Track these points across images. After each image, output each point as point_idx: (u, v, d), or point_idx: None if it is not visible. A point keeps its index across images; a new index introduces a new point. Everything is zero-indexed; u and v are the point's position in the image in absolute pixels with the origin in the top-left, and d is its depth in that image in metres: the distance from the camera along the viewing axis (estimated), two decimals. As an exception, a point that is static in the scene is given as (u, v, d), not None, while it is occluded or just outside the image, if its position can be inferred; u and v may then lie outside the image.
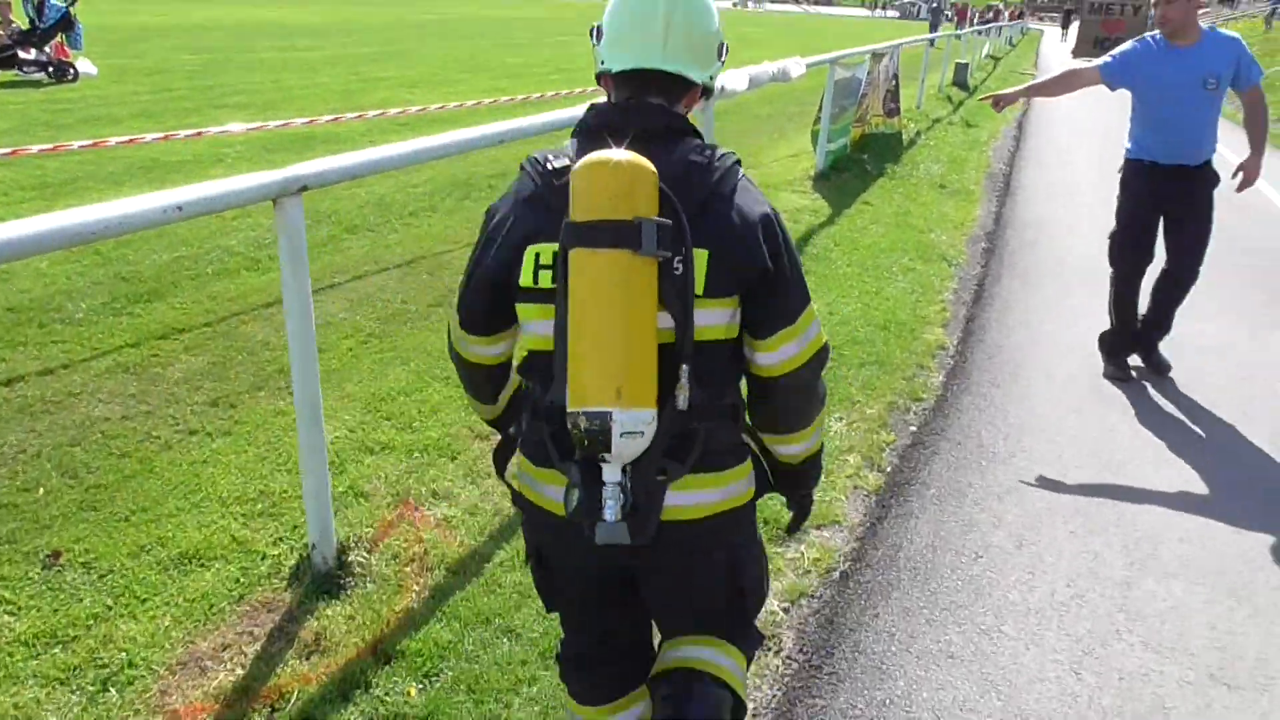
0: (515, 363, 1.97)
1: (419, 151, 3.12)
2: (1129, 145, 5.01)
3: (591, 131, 1.72)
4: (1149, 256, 5.12)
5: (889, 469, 4.19)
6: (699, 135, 1.77)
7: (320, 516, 3.13)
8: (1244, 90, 4.76)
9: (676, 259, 1.59)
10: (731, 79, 6.42)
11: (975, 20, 48.43)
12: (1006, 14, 57.76)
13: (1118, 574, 3.43)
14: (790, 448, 1.93)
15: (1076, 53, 39.83)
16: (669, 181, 1.61)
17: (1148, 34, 4.91)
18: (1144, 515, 3.85)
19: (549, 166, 1.70)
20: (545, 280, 1.67)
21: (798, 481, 2.02)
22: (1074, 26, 53.31)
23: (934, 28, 41.76)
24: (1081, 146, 13.93)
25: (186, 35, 22.50)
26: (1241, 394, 5.11)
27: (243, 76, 15.15)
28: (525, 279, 1.69)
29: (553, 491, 1.79)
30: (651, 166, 1.59)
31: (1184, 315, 5.28)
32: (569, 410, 1.59)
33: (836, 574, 3.41)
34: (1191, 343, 5.74)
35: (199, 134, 7.89)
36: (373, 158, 3.00)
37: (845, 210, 8.66)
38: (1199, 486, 4.12)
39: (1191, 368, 5.42)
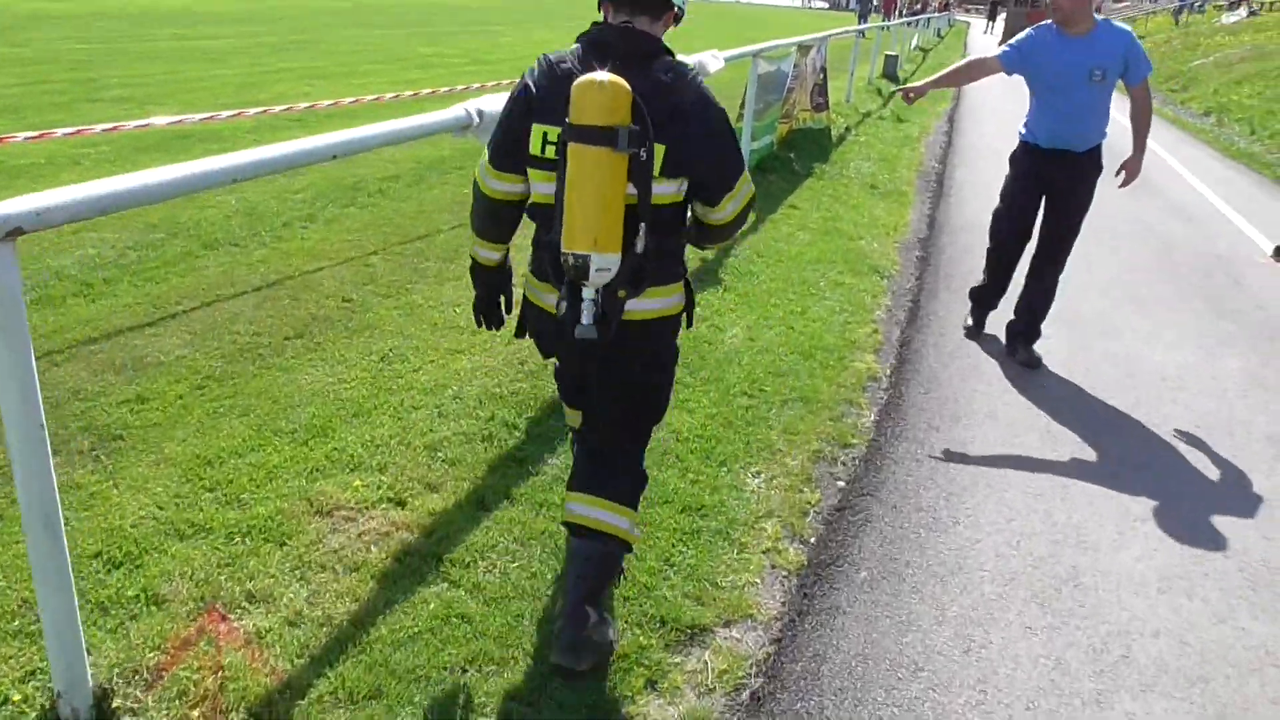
0: (527, 207, 2.65)
1: (191, 178, 2.36)
2: (1021, 128, 5.23)
3: (592, 45, 2.44)
4: (1027, 235, 5.36)
5: (812, 540, 3.54)
6: (670, 53, 2.48)
7: (66, 655, 2.38)
8: (1132, 85, 4.86)
9: (643, 150, 2.30)
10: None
11: (904, 12, 48.48)
12: (935, 5, 58.03)
13: (1086, 687, 2.81)
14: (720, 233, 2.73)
15: (1003, 44, 39.90)
16: (642, 95, 2.29)
17: (1045, 22, 4.96)
18: (1110, 600, 3.25)
19: (559, 69, 2.42)
20: (550, 154, 2.42)
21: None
22: (1000, 19, 53.75)
23: (862, 18, 41.53)
24: (1012, 141, 13.51)
25: (82, 22, 21.13)
26: (1211, 440, 4.57)
27: (133, 68, 14.06)
28: (535, 149, 2.46)
29: (549, 298, 2.59)
30: (628, 86, 2.25)
31: (1143, 340, 4.72)
32: (562, 251, 2.34)
33: (745, 694, 2.75)
34: (1150, 369, 5.20)
35: (78, 132, 6.95)
36: (120, 188, 2.23)
37: (770, 216, 8.03)
38: (1172, 559, 3.54)
39: (1151, 402, 4.88)
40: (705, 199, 2.56)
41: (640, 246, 2.40)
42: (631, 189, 2.35)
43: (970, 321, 5.80)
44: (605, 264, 2.33)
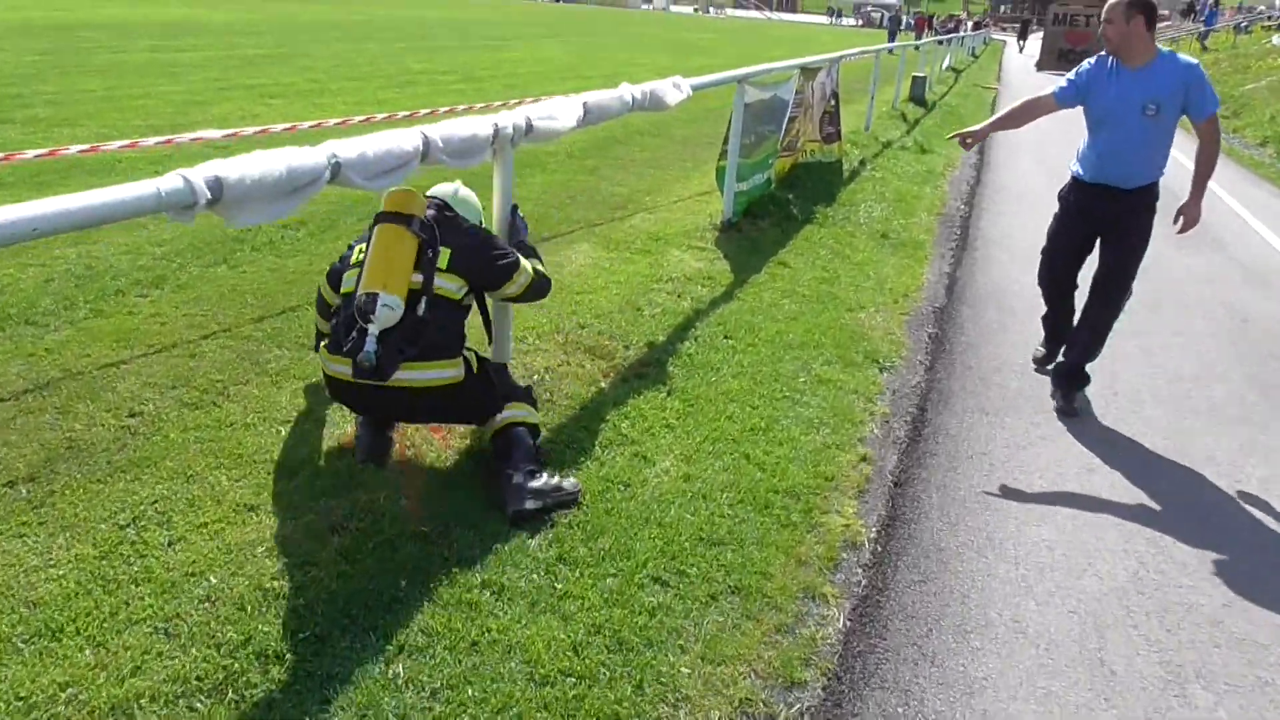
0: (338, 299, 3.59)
1: None
2: (1074, 164, 4.89)
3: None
4: (1070, 276, 5.08)
5: None
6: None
7: None
8: (1197, 122, 4.50)
9: (430, 250, 3.41)
10: (561, 111, 4.31)
11: (937, 30, 46.91)
12: (969, 23, 56.44)
13: None
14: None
15: (1041, 65, 38.31)
16: (436, 222, 3.51)
17: (1103, 52, 4.64)
18: None
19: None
20: (358, 257, 3.49)
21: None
22: (1034, 38, 52.04)
23: (892, 37, 40.08)
24: (1051, 183, 11.96)
25: (59, 34, 20.02)
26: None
27: (69, 82, 12.80)
28: (355, 259, 3.52)
29: (342, 367, 3.33)
30: (420, 195, 3.56)
31: (1225, 477, 3.22)
32: (359, 293, 3.29)
33: None
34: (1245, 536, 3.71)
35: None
36: None
37: (753, 277, 6.57)
38: None
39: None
40: (488, 288, 3.66)
41: (420, 312, 3.34)
42: (418, 276, 3.37)
43: (1042, 351, 5.50)
44: (390, 302, 3.25)
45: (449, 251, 3.43)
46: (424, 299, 3.33)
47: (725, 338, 5.40)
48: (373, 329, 3.25)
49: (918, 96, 19.91)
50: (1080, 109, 4.75)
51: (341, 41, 23.52)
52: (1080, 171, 4.80)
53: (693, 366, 4.91)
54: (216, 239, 6.20)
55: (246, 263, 5.82)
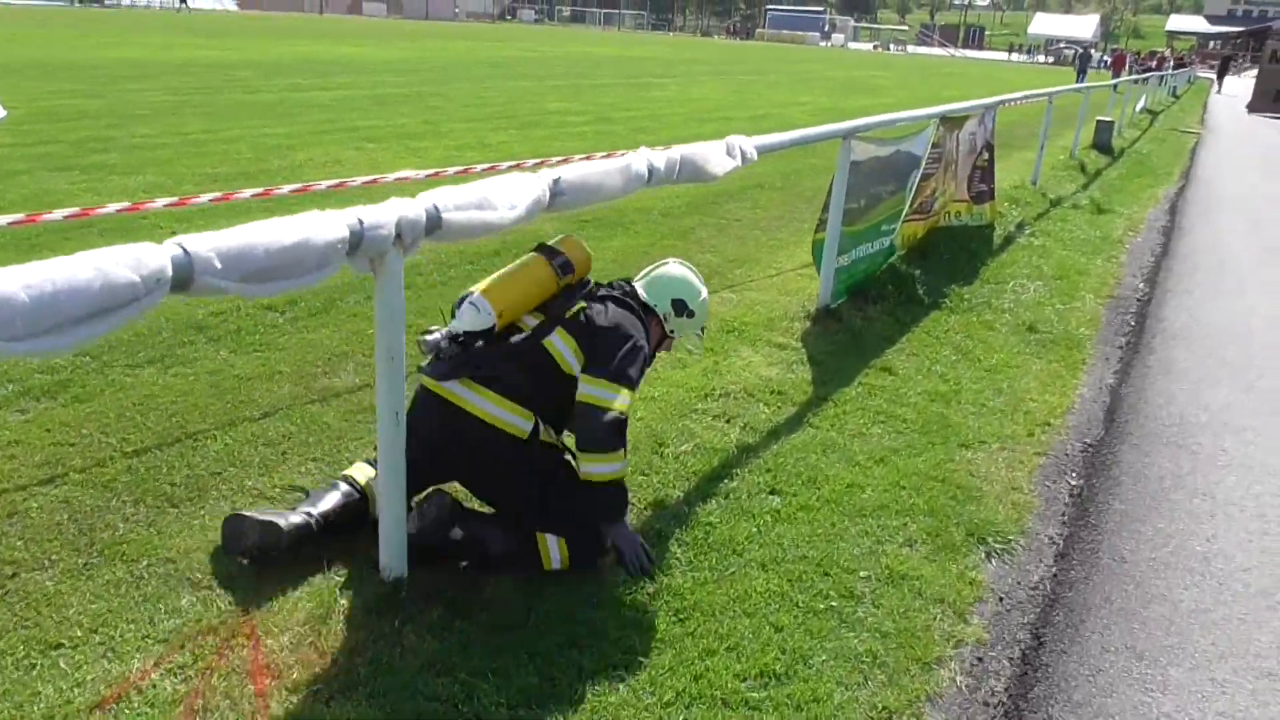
0: None
1: None
2: None
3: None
4: None
5: None
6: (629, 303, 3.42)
7: None
8: None
9: (567, 299, 3.29)
10: (504, 194, 3.00)
11: (1134, 69, 43.37)
12: (1172, 60, 52.20)
13: None
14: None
15: (1253, 107, 34.52)
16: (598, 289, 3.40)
17: None
18: None
19: None
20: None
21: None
22: (1236, 77, 47.57)
23: (1081, 75, 37.07)
24: (1258, 248, 9.81)
25: (201, 72, 20.31)
26: None
27: (172, 123, 12.44)
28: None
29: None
30: (587, 257, 3.43)
31: None
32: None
33: None
34: None
35: None
36: None
37: (840, 391, 5.07)
38: None
39: None
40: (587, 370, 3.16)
41: (515, 342, 3.14)
42: (533, 320, 3.24)
43: None
44: (479, 303, 3.05)
45: (583, 307, 3.24)
46: (528, 340, 3.15)
47: (771, 493, 3.94)
48: (454, 324, 3.09)
49: (1103, 144, 17.65)
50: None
51: (491, 79, 23.09)
52: None
53: (706, 546, 3.47)
54: (174, 325, 5.18)
55: (188, 360, 4.75)
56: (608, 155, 5.16)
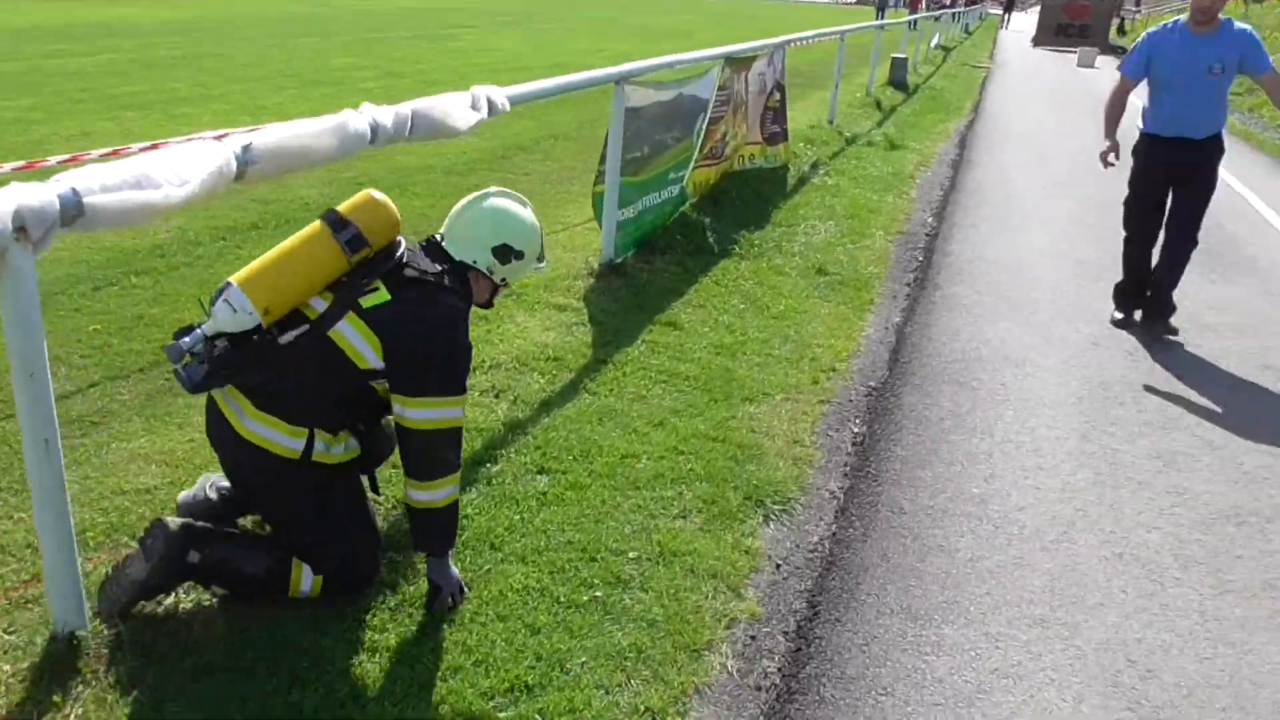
0: None
1: None
2: (1141, 122, 5.51)
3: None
4: (1157, 222, 5.56)
5: None
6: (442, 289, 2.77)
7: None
8: (1260, 75, 5.18)
9: (360, 278, 2.70)
10: (168, 167, 2.51)
11: (929, 6, 44.88)
12: (963, -1, 54.28)
13: None
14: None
15: (1037, 41, 36.28)
16: (405, 255, 2.78)
17: (1166, 22, 5.42)
18: None
19: None
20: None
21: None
22: (1024, 13, 49.97)
23: (880, 12, 38.08)
24: (1040, 180, 10.13)
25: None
26: None
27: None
28: None
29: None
30: (391, 217, 2.75)
31: None
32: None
33: None
34: None
35: None
36: None
37: (622, 351, 4.80)
38: None
39: None
40: (395, 389, 2.65)
41: (286, 340, 2.57)
42: (320, 303, 2.65)
43: (1119, 316, 5.82)
44: (236, 301, 2.48)
45: (384, 300, 2.64)
46: (310, 334, 2.60)
47: (539, 473, 3.63)
48: (209, 324, 2.54)
49: (898, 80, 18.05)
50: (1089, 100, 4.02)
51: (276, 37, 21.63)
52: (1155, 130, 5.40)
53: (460, 544, 3.13)
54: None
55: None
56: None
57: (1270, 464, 4.11)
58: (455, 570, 2.86)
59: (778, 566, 3.24)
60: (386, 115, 3.40)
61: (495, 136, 10.20)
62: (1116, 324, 5.72)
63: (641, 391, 4.40)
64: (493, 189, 2.92)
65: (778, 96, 9.29)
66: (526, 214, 2.93)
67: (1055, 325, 5.72)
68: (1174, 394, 4.80)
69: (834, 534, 3.47)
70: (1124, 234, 5.74)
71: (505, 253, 2.85)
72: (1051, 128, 14.57)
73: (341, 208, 2.69)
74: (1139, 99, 5.57)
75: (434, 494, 2.70)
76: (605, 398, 4.30)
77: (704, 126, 7.22)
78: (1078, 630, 2.95)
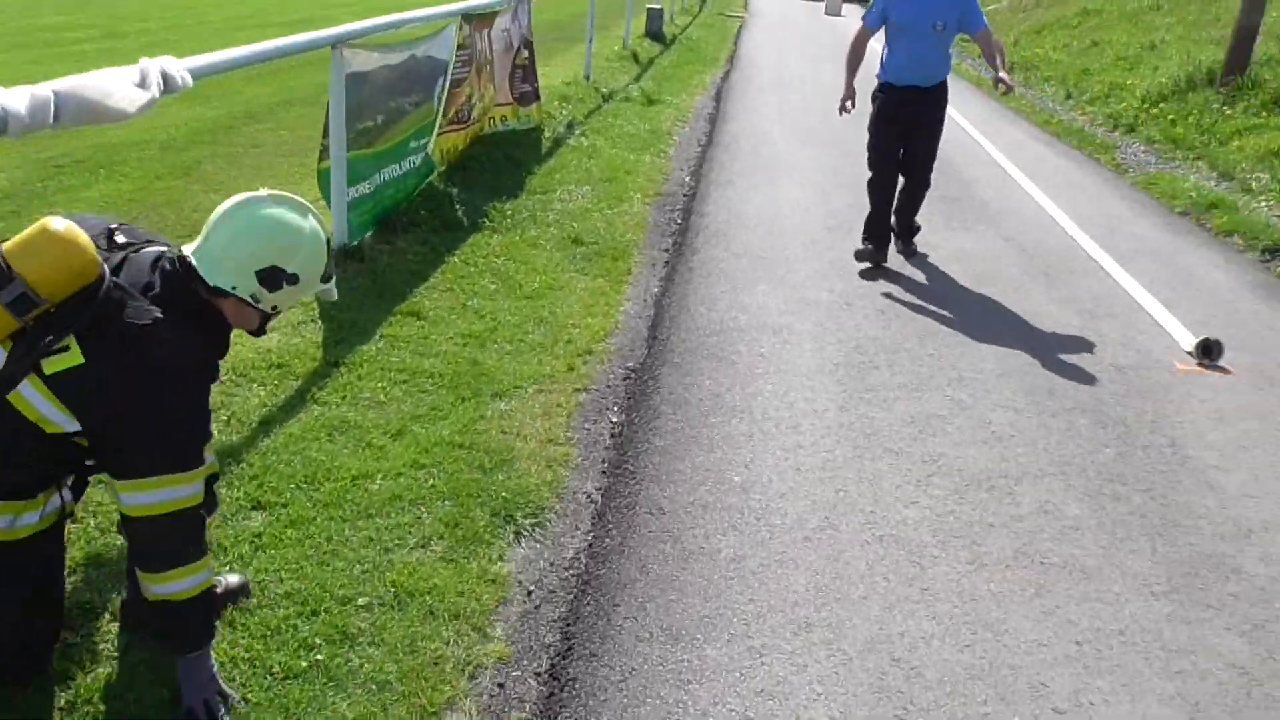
0: None
1: None
2: (879, 71, 6.00)
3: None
4: (897, 163, 6.09)
5: None
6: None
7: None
8: (974, 33, 5.80)
9: (41, 335, 2.02)
10: None
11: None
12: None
13: None
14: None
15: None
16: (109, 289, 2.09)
17: None
18: None
19: None
20: None
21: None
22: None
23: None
24: (793, 131, 10.23)
25: None
26: None
27: None
28: None
29: None
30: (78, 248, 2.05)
31: None
32: None
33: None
34: None
35: None
36: None
37: (355, 350, 4.33)
38: None
39: None
40: (109, 470, 2.16)
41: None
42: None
43: (867, 248, 6.11)
44: None
45: (75, 364, 2.02)
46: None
47: (255, 508, 3.16)
48: None
49: (655, 31, 17.95)
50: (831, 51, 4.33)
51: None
52: (890, 77, 5.90)
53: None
54: None
55: None
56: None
57: (1014, 419, 4.17)
58: (214, 672, 2.32)
59: (529, 593, 2.94)
60: (18, 99, 2.77)
61: (222, 104, 9.28)
62: (861, 255, 6.14)
63: (379, 396, 3.97)
64: (262, 193, 2.28)
65: (526, 54, 8.87)
66: (307, 226, 2.26)
67: (810, 286, 5.68)
68: (925, 353, 4.83)
69: (590, 546, 3.20)
70: (869, 176, 6.11)
71: (275, 277, 2.22)
72: (803, 76, 14.87)
73: (7, 248, 2.00)
74: (880, 44, 5.87)
75: (172, 585, 2.18)
76: (336, 408, 3.85)
77: (445, 89, 6.73)
78: (842, 631, 2.81)
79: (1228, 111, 9.80)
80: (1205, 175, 8.69)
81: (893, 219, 6.21)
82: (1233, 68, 10.39)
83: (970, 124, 11.10)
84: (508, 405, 4.02)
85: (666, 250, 6.25)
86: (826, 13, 28.96)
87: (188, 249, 2.22)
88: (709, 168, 8.51)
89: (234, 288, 2.19)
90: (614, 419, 4.05)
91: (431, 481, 3.39)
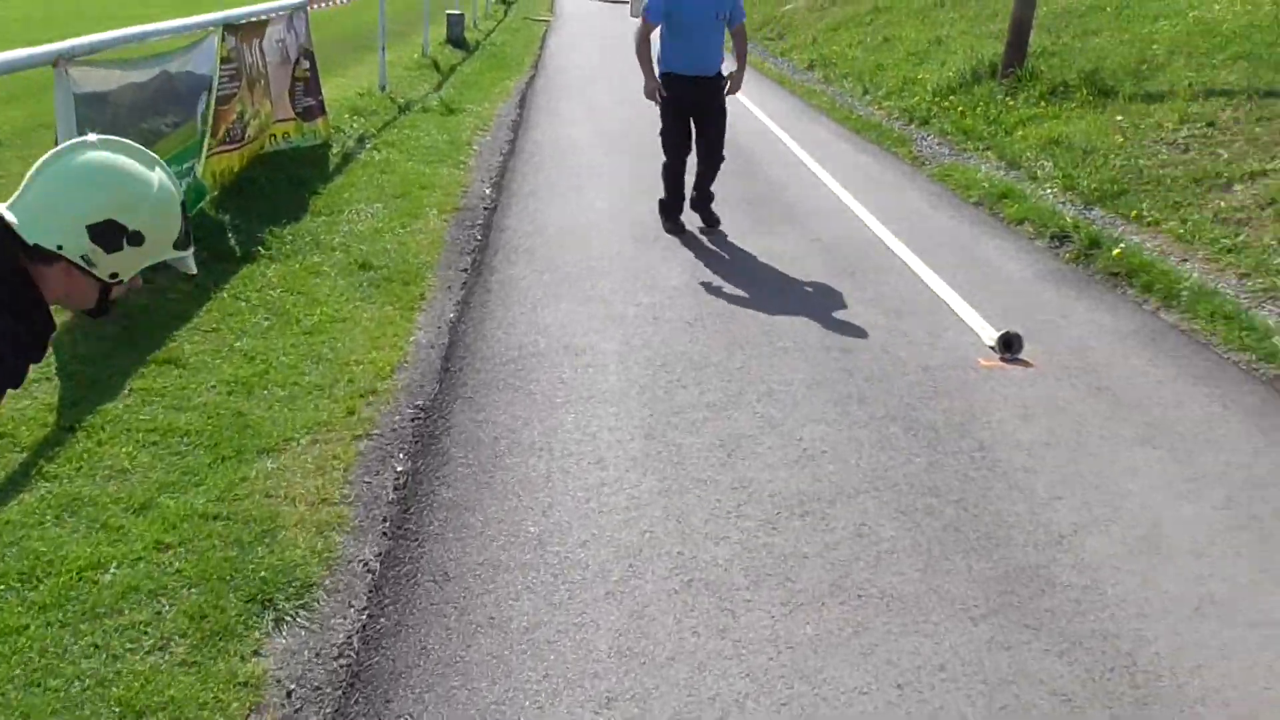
0: None
1: None
2: (660, 61, 6.45)
3: None
4: (688, 145, 6.68)
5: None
6: None
7: None
8: (733, 26, 6.50)
9: None
10: None
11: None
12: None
13: None
14: None
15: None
16: None
17: None
18: None
19: None
20: None
21: None
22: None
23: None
24: (598, 138, 9.99)
25: None
26: None
27: None
28: None
29: None
30: None
31: None
32: None
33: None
34: None
35: None
36: None
37: (99, 407, 3.78)
38: None
39: None
40: None
41: None
42: None
43: (669, 224, 6.76)
44: None
45: None
46: None
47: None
48: None
49: (456, 38, 17.43)
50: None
51: None
52: (676, 68, 6.33)
53: None
54: None
55: None
56: None
57: (825, 434, 4.01)
58: None
59: (289, 694, 2.53)
60: None
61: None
62: (669, 231, 6.67)
63: (122, 464, 3.45)
64: (91, 136, 1.75)
65: (307, 65, 8.29)
66: (154, 178, 1.76)
67: (616, 299, 5.42)
68: (734, 366, 4.63)
69: (364, 628, 2.80)
70: (664, 160, 6.67)
71: (112, 234, 1.72)
72: (607, 77, 14.69)
73: None
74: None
75: None
76: (69, 482, 3.30)
77: (211, 107, 6.13)
78: (648, 704, 2.53)
79: (1010, 102, 10.16)
80: (995, 165, 8.94)
81: (691, 193, 6.82)
82: (1012, 60, 10.80)
83: (775, 123, 11.15)
84: (275, 463, 3.57)
85: (464, 270, 5.87)
86: (632, 14, 29.04)
87: (1, 206, 1.70)
88: (511, 178, 8.16)
89: (59, 247, 1.69)
90: (399, 468, 3.66)
91: (177, 565, 2.92)
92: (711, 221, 6.85)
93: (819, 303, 5.51)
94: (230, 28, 6.47)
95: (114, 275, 1.76)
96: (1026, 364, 4.77)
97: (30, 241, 1.66)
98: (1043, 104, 9.74)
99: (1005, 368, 4.74)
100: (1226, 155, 7.38)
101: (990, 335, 5.02)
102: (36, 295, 1.75)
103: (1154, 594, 3.05)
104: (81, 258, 1.70)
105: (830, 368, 4.65)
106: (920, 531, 3.33)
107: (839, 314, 5.34)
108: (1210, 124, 7.89)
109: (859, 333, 5.09)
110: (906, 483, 3.65)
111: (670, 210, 6.77)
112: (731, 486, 3.58)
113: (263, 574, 2.92)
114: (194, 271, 1.91)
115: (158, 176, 1.77)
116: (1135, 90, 9.19)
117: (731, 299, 5.51)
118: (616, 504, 3.43)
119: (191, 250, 1.86)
